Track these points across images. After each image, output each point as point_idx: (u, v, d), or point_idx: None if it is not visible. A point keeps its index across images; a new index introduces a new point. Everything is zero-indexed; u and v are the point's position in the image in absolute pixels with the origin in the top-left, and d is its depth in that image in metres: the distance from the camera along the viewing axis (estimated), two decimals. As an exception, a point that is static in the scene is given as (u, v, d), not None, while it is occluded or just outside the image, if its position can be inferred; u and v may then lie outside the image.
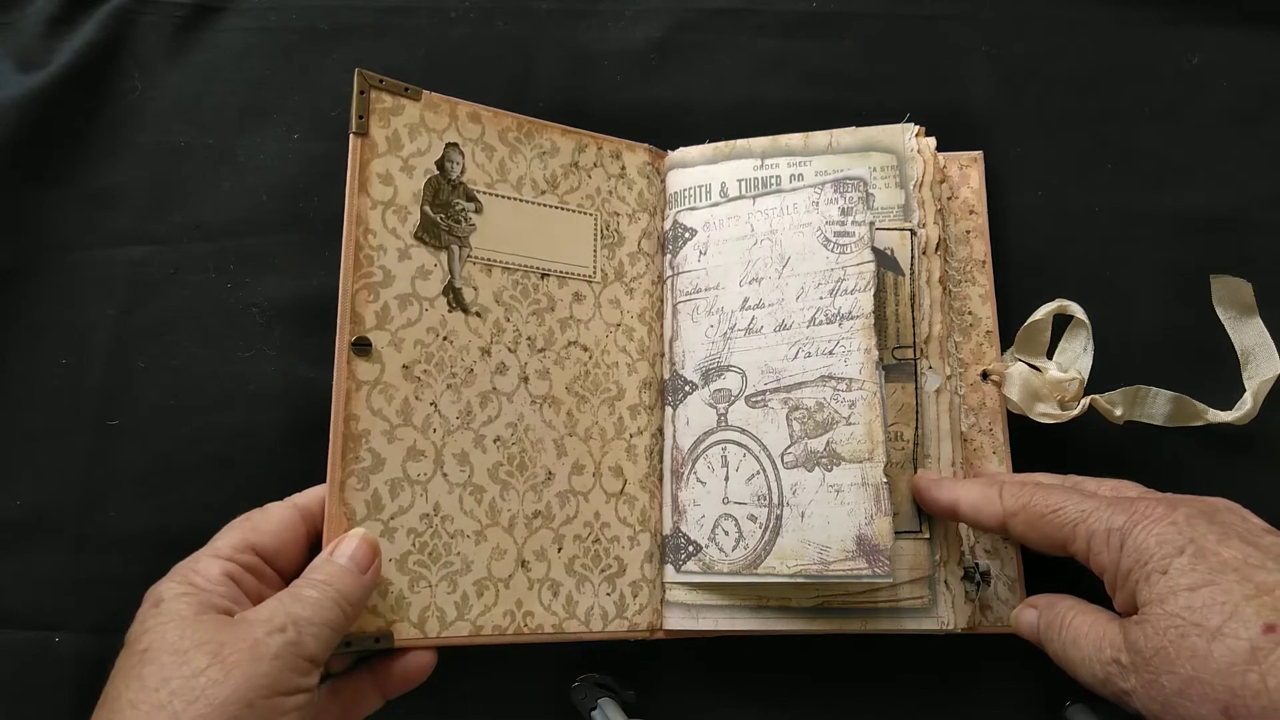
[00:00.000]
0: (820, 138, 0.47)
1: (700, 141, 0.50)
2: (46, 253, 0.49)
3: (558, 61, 0.54)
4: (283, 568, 0.38)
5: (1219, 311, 0.48)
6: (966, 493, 0.40)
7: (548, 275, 0.45)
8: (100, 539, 0.45)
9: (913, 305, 0.44)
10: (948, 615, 0.42)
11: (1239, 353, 0.48)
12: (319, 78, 0.53)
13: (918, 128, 0.47)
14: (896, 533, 0.41)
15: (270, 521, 0.37)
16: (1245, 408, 0.46)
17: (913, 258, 0.45)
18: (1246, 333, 0.48)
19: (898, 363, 0.44)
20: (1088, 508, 0.35)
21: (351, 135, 0.41)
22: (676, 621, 0.44)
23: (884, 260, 0.45)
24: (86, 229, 0.50)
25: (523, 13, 0.55)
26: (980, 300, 0.48)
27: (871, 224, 0.43)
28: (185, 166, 0.51)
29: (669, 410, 0.46)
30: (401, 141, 0.42)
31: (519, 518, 0.42)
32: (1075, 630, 0.35)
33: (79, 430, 0.47)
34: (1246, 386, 0.47)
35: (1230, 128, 0.53)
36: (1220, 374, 0.48)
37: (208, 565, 0.35)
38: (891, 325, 0.44)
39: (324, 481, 0.38)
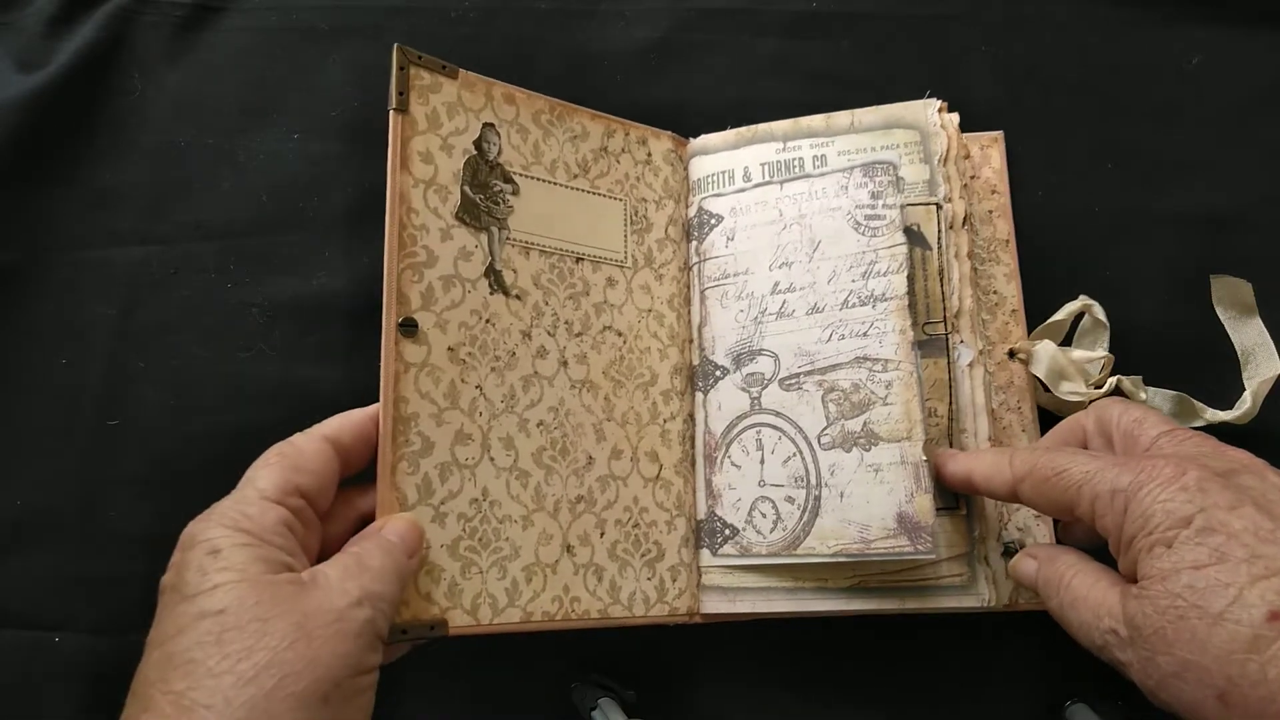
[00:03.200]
0: (842, 117, 0.47)
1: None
2: (46, 253, 0.49)
3: (558, 61, 0.54)
4: (321, 509, 0.37)
5: (1219, 311, 0.48)
6: (979, 463, 0.39)
7: (582, 259, 0.45)
8: (100, 539, 0.45)
9: (941, 280, 0.44)
10: (988, 592, 0.41)
11: (1239, 352, 0.48)
12: (319, 78, 0.53)
13: (940, 102, 0.46)
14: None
15: (310, 460, 0.36)
16: (1245, 407, 0.46)
17: (939, 232, 0.45)
18: (1246, 332, 0.48)
19: (929, 338, 0.44)
20: (1093, 468, 0.33)
21: (391, 112, 0.40)
22: (713, 605, 0.44)
23: (910, 236, 0.44)
24: (86, 229, 0.49)
25: (523, 13, 0.55)
26: (1005, 279, 0.48)
27: (902, 207, 0.44)
28: (185, 166, 0.51)
29: (699, 396, 0.47)
30: (440, 120, 0.42)
31: (563, 502, 0.42)
32: (1074, 593, 0.34)
33: (79, 430, 0.47)
34: (1246, 386, 0.47)
35: (1230, 128, 0.53)
36: (1220, 374, 0.48)
37: (262, 511, 0.33)
38: (921, 301, 0.44)
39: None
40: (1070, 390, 0.45)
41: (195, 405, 0.47)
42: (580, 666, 0.45)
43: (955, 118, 0.47)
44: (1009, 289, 0.48)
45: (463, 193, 0.42)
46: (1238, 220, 0.52)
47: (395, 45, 0.41)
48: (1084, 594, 0.34)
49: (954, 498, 0.42)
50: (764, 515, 0.43)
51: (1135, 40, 0.55)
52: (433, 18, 0.54)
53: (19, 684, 0.44)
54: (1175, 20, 0.55)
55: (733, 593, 0.44)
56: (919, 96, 0.47)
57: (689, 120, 0.53)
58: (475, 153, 0.43)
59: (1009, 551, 0.43)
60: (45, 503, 0.46)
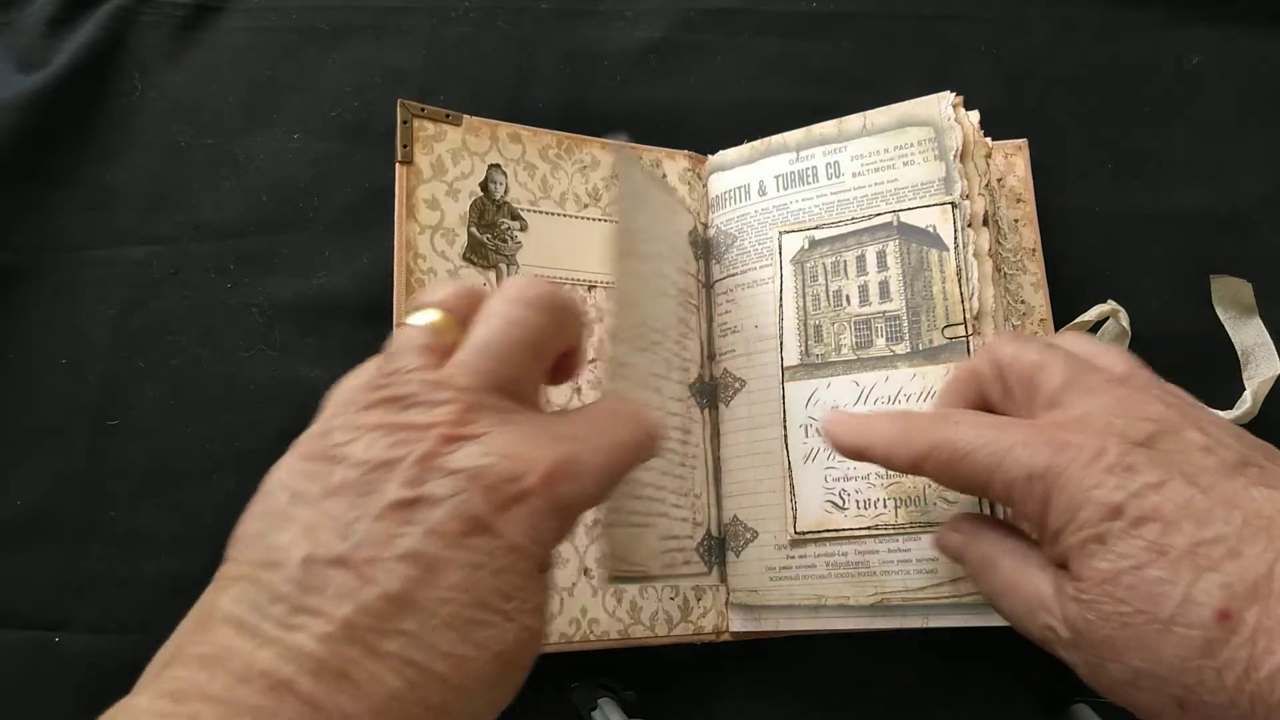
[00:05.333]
0: (854, 121, 0.47)
1: (699, 142, 0.50)
2: (47, 253, 0.49)
3: (558, 61, 0.54)
4: None
5: (1219, 311, 0.48)
6: (877, 435, 0.34)
7: (594, 287, 0.46)
8: (100, 539, 0.45)
9: (960, 280, 0.43)
10: None
11: (1239, 352, 0.48)
12: (319, 78, 0.53)
13: (955, 96, 0.45)
14: None
15: None
16: (1245, 406, 0.46)
17: (956, 231, 0.43)
18: (1246, 332, 0.48)
19: (949, 342, 0.42)
20: (1001, 447, 0.30)
21: (397, 164, 0.42)
22: (740, 623, 0.44)
23: (925, 238, 0.44)
24: (87, 229, 0.49)
25: (523, 13, 0.55)
26: (1033, 289, 0.48)
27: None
28: (185, 166, 0.51)
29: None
30: (445, 167, 0.43)
31: (579, 525, 0.42)
32: (1002, 578, 0.31)
33: (79, 430, 0.47)
34: (1246, 386, 0.47)
35: (1230, 128, 0.53)
36: (1220, 374, 0.48)
37: None
38: (939, 304, 0.43)
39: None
40: None
41: (195, 405, 0.47)
42: (584, 667, 0.45)
43: (975, 114, 0.46)
44: (1037, 298, 0.48)
45: (470, 234, 0.43)
46: (1238, 220, 0.52)
47: (399, 100, 0.43)
48: (1013, 580, 0.31)
49: (976, 507, 0.40)
50: None
51: (1135, 40, 0.55)
52: (433, 18, 0.54)
53: (19, 684, 0.44)
54: (1175, 20, 0.55)
55: (758, 610, 0.44)
56: (918, 96, 0.47)
57: (689, 120, 0.53)
58: (482, 194, 0.44)
59: None
60: (45, 503, 0.46)
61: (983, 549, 0.33)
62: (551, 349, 0.29)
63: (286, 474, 0.26)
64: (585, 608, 0.42)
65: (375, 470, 0.24)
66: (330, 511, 0.24)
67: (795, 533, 0.43)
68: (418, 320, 0.29)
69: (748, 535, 0.44)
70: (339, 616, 0.22)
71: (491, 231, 0.44)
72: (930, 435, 0.32)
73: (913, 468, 0.33)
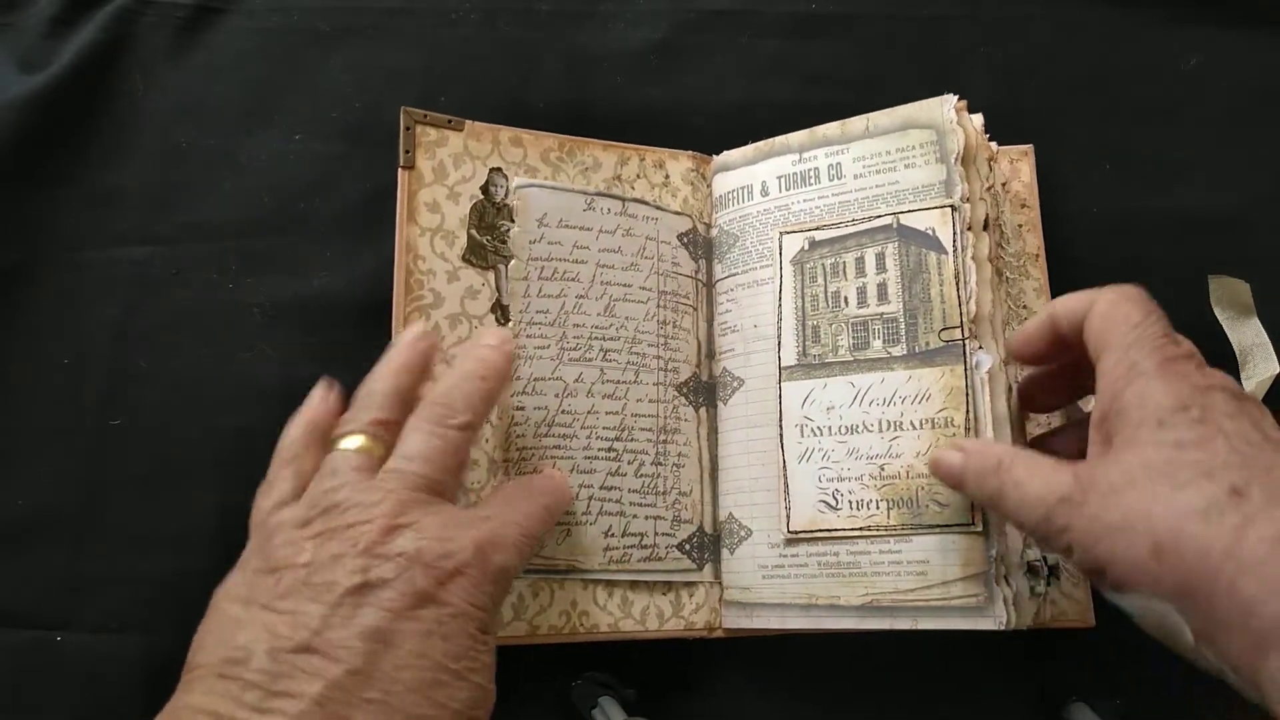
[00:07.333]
0: (856, 123, 0.47)
1: (699, 143, 0.50)
2: (48, 253, 0.49)
3: (558, 63, 0.55)
4: None
5: (1217, 311, 0.48)
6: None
7: None
8: (101, 538, 0.45)
9: (958, 284, 0.43)
10: (1005, 613, 0.39)
11: (1237, 353, 0.48)
12: (320, 79, 0.53)
13: (958, 99, 0.45)
14: (946, 526, 0.40)
15: None
16: (1244, 407, 0.46)
17: (955, 234, 0.43)
18: (1244, 333, 0.48)
19: (945, 345, 0.42)
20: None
21: (400, 169, 0.43)
22: (734, 620, 0.44)
23: (924, 240, 0.44)
24: (88, 229, 0.50)
25: (524, 14, 0.55)
26: (1035, 294, 0.48)
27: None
28: (186, 167, 0.51)
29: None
30: (447, 171, 0.44)
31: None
32: (1017, 474, 0.33)
33: (80, 430, 0.47)
34: (1245, 386, 0.47)
35: (1230, 128, 0.53)
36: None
37: None
38: (936, 307, 0.43)
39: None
40: None
41: (196, 405, 0.47)
42: (582, 666, 0.45)
43: (979, 118, 0.45)
44: (1039, 304, 0.48)
45: (469, 235, 0.44)
46: (1238, 220, 0.52)
47: (402, 108, 0.44)
48: (1030, 471, 0.33)
49: (969, 513, 0.40)
50: None
51: (1135, 40, 0.55)
52: (433, 19, 0.54)
53: (19, 684, 0.44)
54: (1175, 20, 0.55)
55: (751, 608, 0.44)
56: (919, 97, 0.46)
57: (689, 122, 0.53)
58: (482, 197, 0.44)
59: (1032, 570, 0.41)
60: (46, 502, 0.46)
61: (994, 456, 0.35)
62: (467, 456, 0.35)
63: (233, 588, 0.30)
64: (575, 600, 0.42)
65: (324, 567, 0.28)
66: (286, 609, 0.28)
67: (788, 532, 0.43)
68: (346, 445, 0.33)
69: (742, 533, 0.45)
70: (311, 694, 0.26)
71: (491, 233, 0.44)
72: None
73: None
